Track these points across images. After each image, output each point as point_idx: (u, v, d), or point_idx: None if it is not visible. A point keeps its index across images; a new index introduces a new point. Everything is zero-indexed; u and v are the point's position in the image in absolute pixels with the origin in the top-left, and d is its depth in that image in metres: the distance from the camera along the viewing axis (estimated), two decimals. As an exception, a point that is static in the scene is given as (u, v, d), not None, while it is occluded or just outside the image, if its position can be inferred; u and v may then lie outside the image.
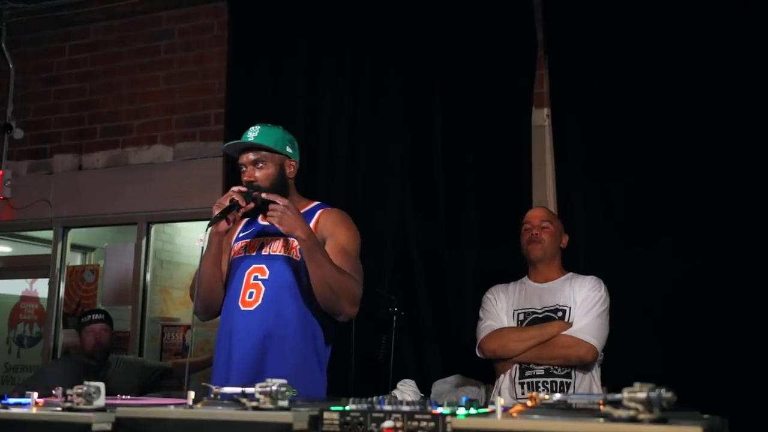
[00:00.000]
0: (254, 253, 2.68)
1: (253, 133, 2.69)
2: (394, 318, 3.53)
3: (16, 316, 6.01)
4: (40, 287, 5.87)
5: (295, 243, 2.60)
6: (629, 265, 3.57)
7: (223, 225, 2.56)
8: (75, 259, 5.63)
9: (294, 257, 2.61)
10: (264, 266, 2.64)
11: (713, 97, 3.60)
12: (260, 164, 2.67)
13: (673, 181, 3.62)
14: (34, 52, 5.54)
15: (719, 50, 3.62)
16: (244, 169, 2.69)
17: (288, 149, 2.73)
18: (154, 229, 5.16)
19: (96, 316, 4.26)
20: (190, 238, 5.99)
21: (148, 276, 5.08)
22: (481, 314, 3.10)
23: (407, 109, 4.20)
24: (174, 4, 5.16)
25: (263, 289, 2.61)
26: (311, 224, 2.64)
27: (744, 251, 3.43)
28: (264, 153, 2.67)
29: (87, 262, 5.81)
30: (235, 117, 4.64)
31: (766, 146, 3.49)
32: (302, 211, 2.68)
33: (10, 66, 5.51)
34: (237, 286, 2.65)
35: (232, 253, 2.75)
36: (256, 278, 2.63)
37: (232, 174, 4.60)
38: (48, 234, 5.38)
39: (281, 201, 2.51)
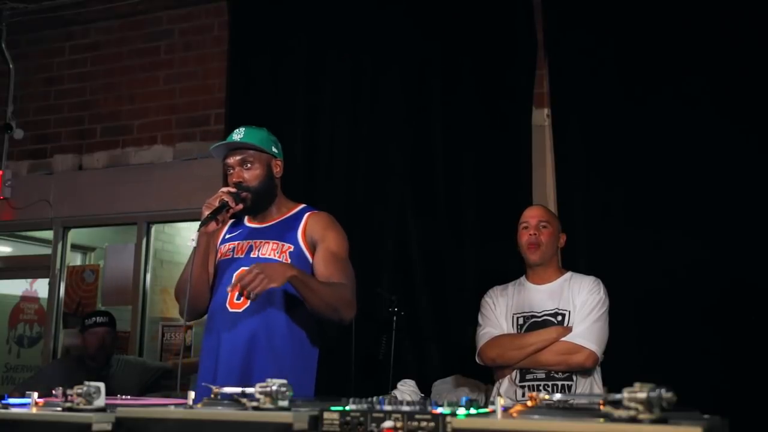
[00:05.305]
0: (243, 256, 2.65)
1: (238, 135, 2.66)
2: (394, 318, 3.53)
3: (16, 316, 6.01)
4: (40, 287, 5.86)
5: (285, 247, 2.60)
6: (629, 264, 3.57)
7: (212, 226, 2.53)
8: (75, 259, 5.63)
9: (284, 261, 2.59)
10: None
11: (713, 98, 3.60)
12: (248, 164, 2.63)
13: (673, 180, 3.62)
14: (34, 52, 5.53)
15: (719, 51, 3.62)
16: (231, 171, 2.66)
17: (273, 149, 2.70)
18: (154, 229, 5.16)
19: (100, 319, 4.24)
20: (190, 238, 5.99)
21: (148, 276, 5.08)
22: (480, 320, 3.06)
23: (407, 109, 4.20)
24: (174, 4, 5.16)
25: None
26: (300, 227, 2.64)
27: (745, 251, 3.43)
28: (251, 153, 2.64)
29: (87, 262, 5.80)
30: (235, 117, 4.63)
31: (766, 146, 3.49)
32: (289, 215, 2.69)
33: (10, 66, 5.51)
34: (225, 288, 2.60)
35: (219, 255, 2.72)
36: None
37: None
38: (48, 234, 5.38)
39: (249, 270, 2.33)
